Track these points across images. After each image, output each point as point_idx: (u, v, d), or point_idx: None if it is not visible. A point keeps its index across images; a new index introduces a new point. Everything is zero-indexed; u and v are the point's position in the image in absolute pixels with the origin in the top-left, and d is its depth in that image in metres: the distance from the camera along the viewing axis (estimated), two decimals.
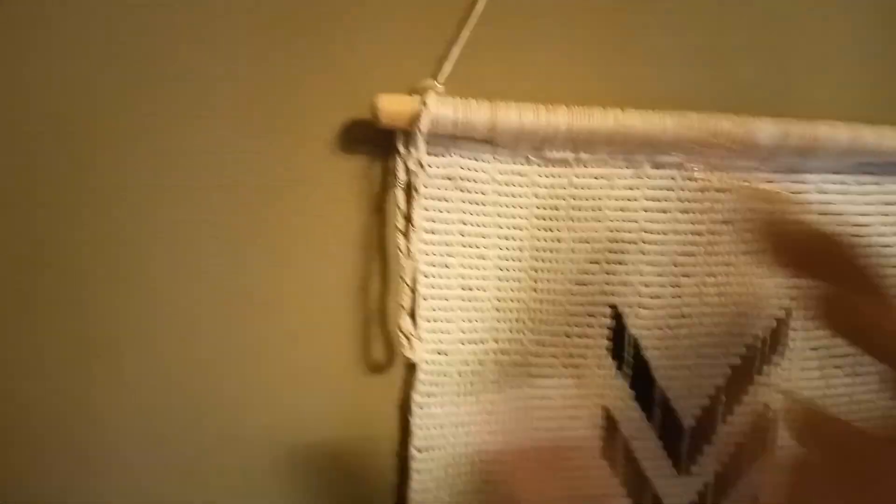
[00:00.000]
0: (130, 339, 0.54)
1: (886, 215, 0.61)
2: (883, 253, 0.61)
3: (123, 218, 0.52)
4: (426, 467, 0.58)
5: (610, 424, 0.60)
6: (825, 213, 0.60)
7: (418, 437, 0.57)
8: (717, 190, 0.58)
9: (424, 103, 0.50)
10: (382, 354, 0.58)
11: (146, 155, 0.52)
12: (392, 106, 0.50)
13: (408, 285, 0.54)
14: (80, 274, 0.52)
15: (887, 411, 0.55)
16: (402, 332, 0.54)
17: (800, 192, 0.59)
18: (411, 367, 0.57)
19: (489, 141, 0.53)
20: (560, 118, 0.52)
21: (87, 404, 0.54)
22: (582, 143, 0.54)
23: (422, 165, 0.51)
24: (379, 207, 0.56)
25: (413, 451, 0.57)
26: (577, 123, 0.52)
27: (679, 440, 0.61)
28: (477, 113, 0.51)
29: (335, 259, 0.56)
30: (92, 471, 0.54)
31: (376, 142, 0.54)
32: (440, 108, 0.50)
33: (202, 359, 0.55)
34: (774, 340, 0.61)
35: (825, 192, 0.60)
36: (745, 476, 0.63)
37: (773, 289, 0.60)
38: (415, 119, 0.50)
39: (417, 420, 0.57)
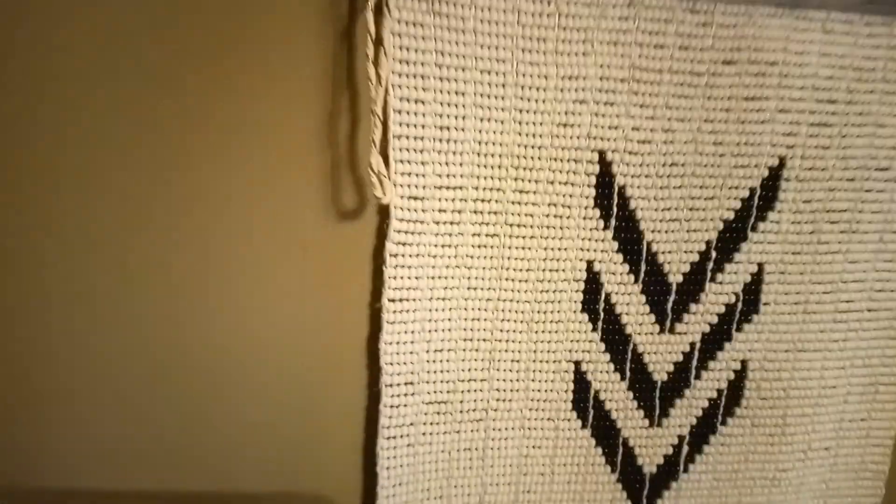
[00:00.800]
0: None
1: (894, 60, 0.56)
2: (885, 101, 0.57)
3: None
4: (399, 319, 0.55)
5: (592, 278, 0.57)
6: (827, 55, 0.55)
7: (391, 288, 0.54)
8: (721, 25, 0.53)
9: None
10: (353, 200, 0.54)
11: None
12: None
13: (379, 118, 0.49)
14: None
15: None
16: (372, 171, 0.50)
17: (804, 30, 0.54)
18: (384, 214, 0.53)
19: None
20: None
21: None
22: None
23: None
24: (347, 33, 0.50)
25: (385, 302, 0.54)
26: None
27: (665, 297, 0.59)
28: None
29: (299, 95, 0.51)
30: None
31: None
32: None
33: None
34: (767, 193, 0.57)
35: (830, 32, 0.55)
36: (734, 338, 0.60)
37: (769, 136, 0.56)
38: None
39: (391, 270, 0.54)
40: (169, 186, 0.51)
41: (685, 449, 0.63)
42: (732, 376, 0.61)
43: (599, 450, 0.62)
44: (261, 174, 0.52)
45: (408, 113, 0.51)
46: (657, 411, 0.62)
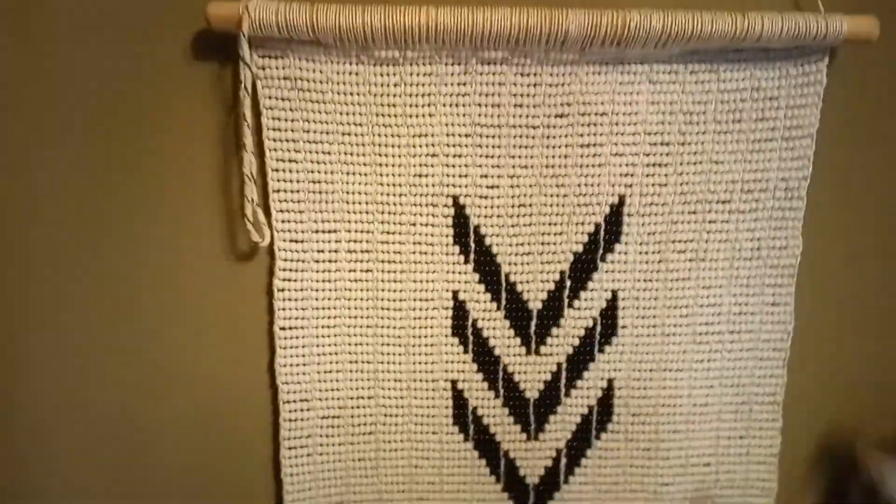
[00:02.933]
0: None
1: (724, 102, 0.63)
2: (718, 139, 0.63)
3: None
4: (290, 344, 0.65)
5: (459, 305, 0.65)
6: (656, 103, 0.62)
7: (280, 318, 0.64)
8: (550, 84, 0.61)
9: (246, 7, 0.56)
10: (246, 244, 0.65)
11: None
12: (220, 11, 0.56)
13: (250, 178, 0.60)
14: None
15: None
16: (248, 220, 0.61)
17: (630, 83, 0.62)
18: (273, 256, 0.64)
19: (318, 42, 0.59)
20: (376, 17, 0.57)
21: None
22: (405, 42, 0.59)
23: (248, 66, 0.57)
24: (231, 109, 0.62)
25: (277, 330, 0.65)
26: (392, 21, 0.57)
27: (527, 322, 0.66)
28: (297, 14, 0.56)
29: (199, 160, 0.63)
30: None
31: (227, 49, 0.60)
32: (262, 12, 0.56)
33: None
34: (612, 227, 0.64)
35: (656, 83, 0.62)
36: (597, 359, 0.67)
37: (607, 177, 0.63)
38: (239, 22, 0.56)
39: (279, 303, 0.64)
40: (94, 243, 0.64)
41: (563, 461, 0.69)
42: (601, 394, 0.68)
43: (483, 462, 0.69)
44: (170, 224, 0.64)
45: (283, 171, 0.62)
46: (533, 426, 0.68)
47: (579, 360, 0.67)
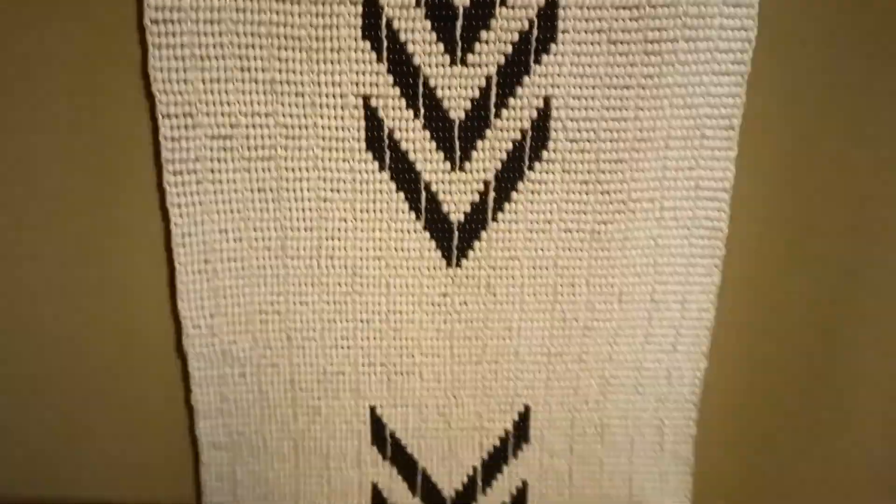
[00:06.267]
0: None
1: None
2: None
3: None
4: (167, 42, 0.54)
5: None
6: None
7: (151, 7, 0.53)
8: None
9: None
10: None
11: None
12: None
13: None
14: None
15: None
16: None
17: None
18: None
19: None
20: None
21: None
22: None
23: None
24: None
25: (148, 23, 0.53)
26: None
27: (453, 21, 0.56)
28: None
29: None
30: None
31: None
32: None
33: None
34: None
35: None
36: (533, 71, 0.57)
37: None
38: None
39: None
40: None
41: (492, 196, 0.61)
42: (535, 115, 0.59)
43: (402, 195, 0.61)
44: None
45: None
46: (458, 153, 0.60)
47: (512, 71, 0.57)
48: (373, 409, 0.67)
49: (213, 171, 0.58)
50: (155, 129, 0.57)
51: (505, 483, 0.70)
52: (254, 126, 0.58)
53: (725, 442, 0.71)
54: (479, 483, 0.70)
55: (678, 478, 0.71)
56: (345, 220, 0.61)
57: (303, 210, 0.60)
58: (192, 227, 0.59)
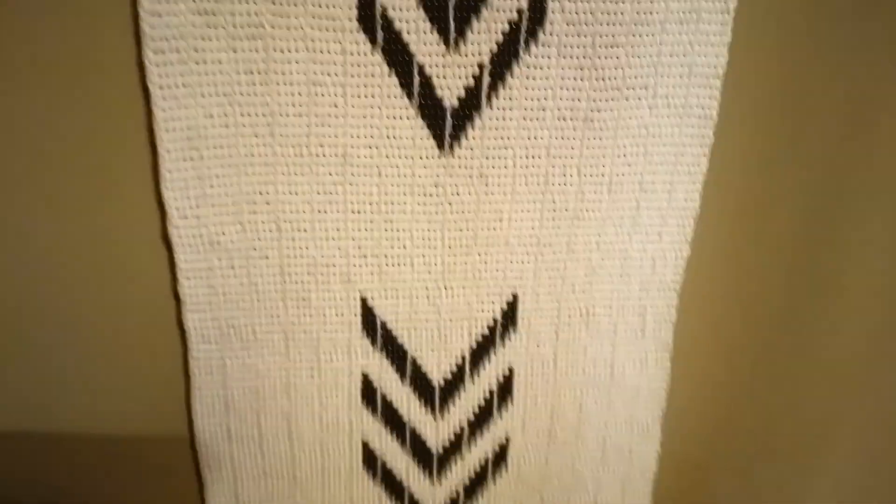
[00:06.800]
0: None
1: None
2: None
3: None
4: None
5: None
6: None
7: None
8: None
9: None
10: None
11: None
12: None
13: None
14: None
15: None
16: None
17: None
18: None
19: None
20: None
21: None
22: None
23: None
24: None
25: None
26: None
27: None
28: None
29: None
30: None
31: None
32: None
33: None
34: None
35: None
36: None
37: None
38: None
39: None
40: None
41: (486, 79, 0.60)
42: None
43: (394, 78, 0.59)
44: None
45: None
46: (452, 34, 0.58)
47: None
48: (364, 300, 0.67)
49: (196, 51, 0.55)
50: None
51: (492, 370, 0.72)
52: (239, 0, 0.54)
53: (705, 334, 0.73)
54: (468, 370, 0.71)
55: (658, 362, 0.74)
56: (335, 105, 0.59)
57: (292, 94, 0.58)
58: (176, 111, 0.57)
